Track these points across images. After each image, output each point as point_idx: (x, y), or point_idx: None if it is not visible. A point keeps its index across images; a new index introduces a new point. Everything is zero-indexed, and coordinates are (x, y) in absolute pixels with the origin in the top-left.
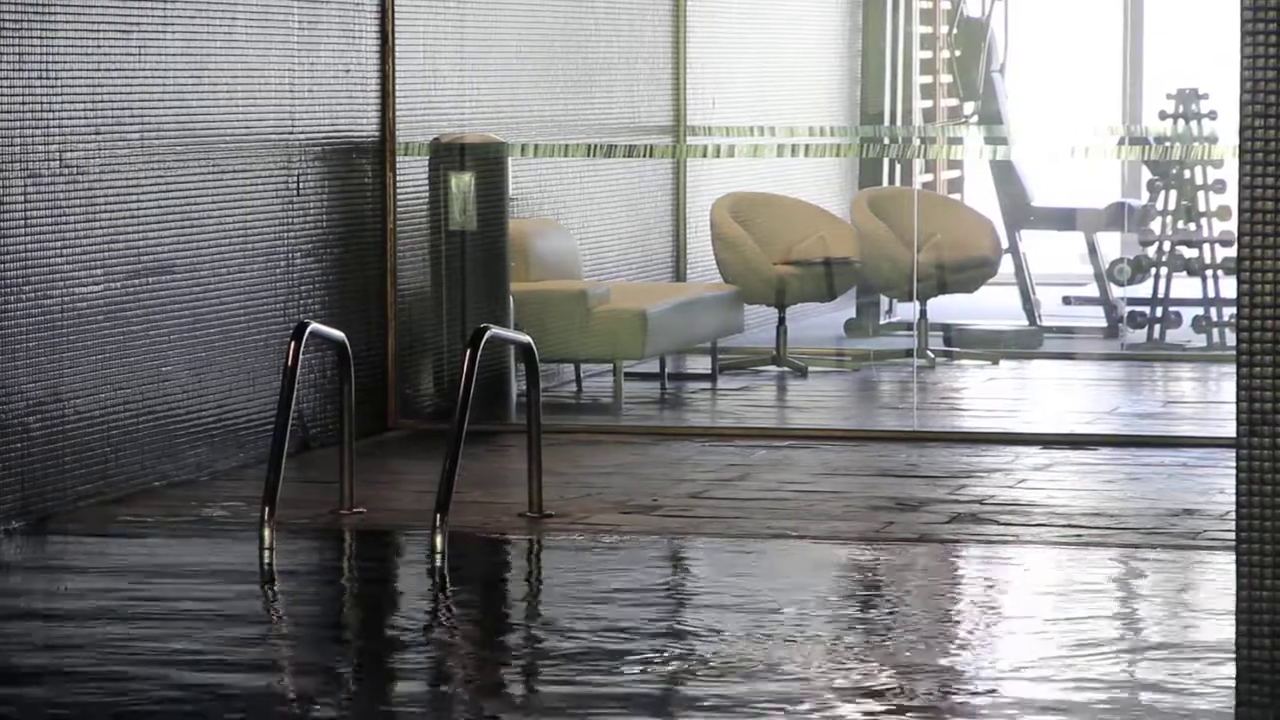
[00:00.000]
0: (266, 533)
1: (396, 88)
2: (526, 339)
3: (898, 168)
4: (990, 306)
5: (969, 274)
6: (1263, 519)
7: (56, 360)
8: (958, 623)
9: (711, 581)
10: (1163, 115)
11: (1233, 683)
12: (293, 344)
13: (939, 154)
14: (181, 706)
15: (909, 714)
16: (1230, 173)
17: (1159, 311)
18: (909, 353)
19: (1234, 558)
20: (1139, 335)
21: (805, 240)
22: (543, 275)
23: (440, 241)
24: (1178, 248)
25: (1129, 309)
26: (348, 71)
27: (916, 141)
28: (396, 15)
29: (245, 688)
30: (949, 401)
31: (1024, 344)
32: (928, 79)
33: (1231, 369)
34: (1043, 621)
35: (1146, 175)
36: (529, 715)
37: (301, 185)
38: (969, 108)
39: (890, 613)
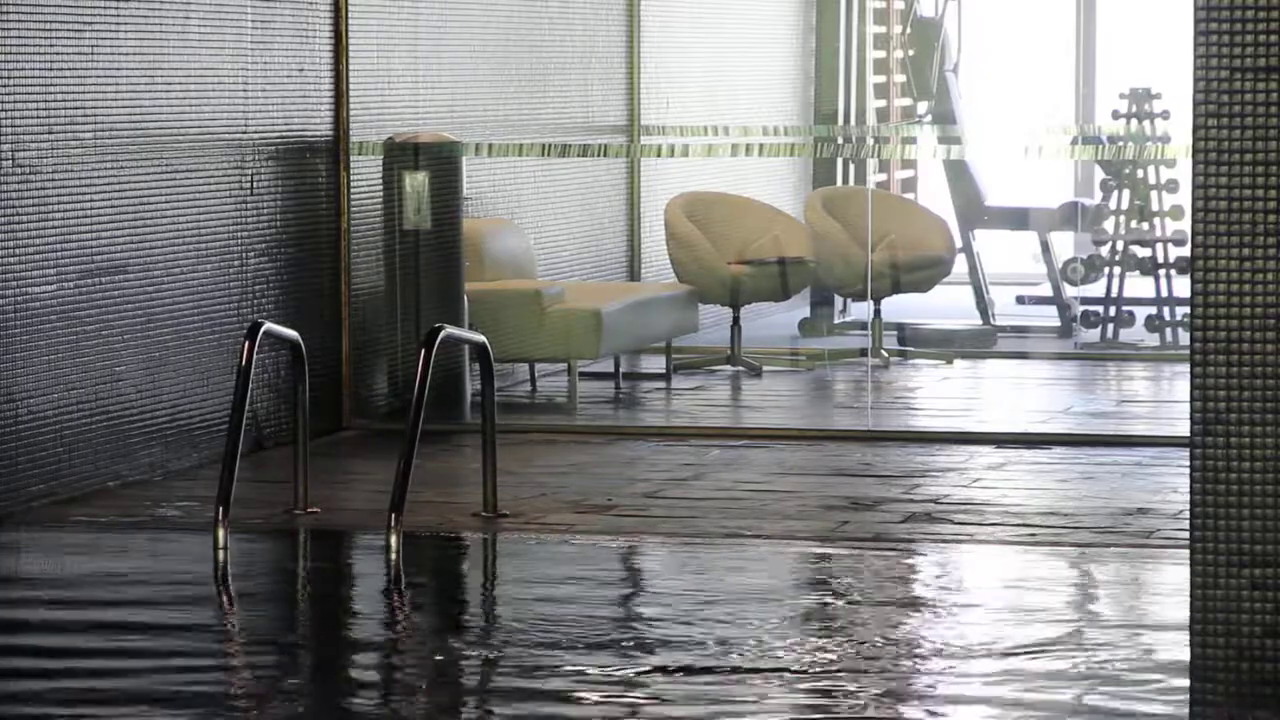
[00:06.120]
0: (220, 533)
1: (350, 87)
2: (481, 338)
3: (851, 167)
4: (944, 306)
5: (923, 273)
6: (1216, 518)
7: (9, 360)
8: (911, 622)
9: (666, 581)
10: (1116, 115)
11: (1187, 682)
12: (247, 344)
13: (893, 153)
14: (134, 708)
15: (859, 714)
16: (1183, 172)
17: (1112, 311)
18: (863, 352)
19: (1188, 557)
20: (1092, 334)
21: (759, 240)
22: (497, 275)
23: (394, 241)
24: (1131, 247)
25: (1082, 308)
26: (301, 71)
27: (870, 141)
28: (350, 14)
29: (199, 690)
30: (903, 401)
31: (978, 343)
32: (881, 78)
33: (1185, 368)
34: (996, 621)
35: (1100, 175)
36: (484, 717)
37: (255, 185)
38: (922, 107)
39: (844, 613)
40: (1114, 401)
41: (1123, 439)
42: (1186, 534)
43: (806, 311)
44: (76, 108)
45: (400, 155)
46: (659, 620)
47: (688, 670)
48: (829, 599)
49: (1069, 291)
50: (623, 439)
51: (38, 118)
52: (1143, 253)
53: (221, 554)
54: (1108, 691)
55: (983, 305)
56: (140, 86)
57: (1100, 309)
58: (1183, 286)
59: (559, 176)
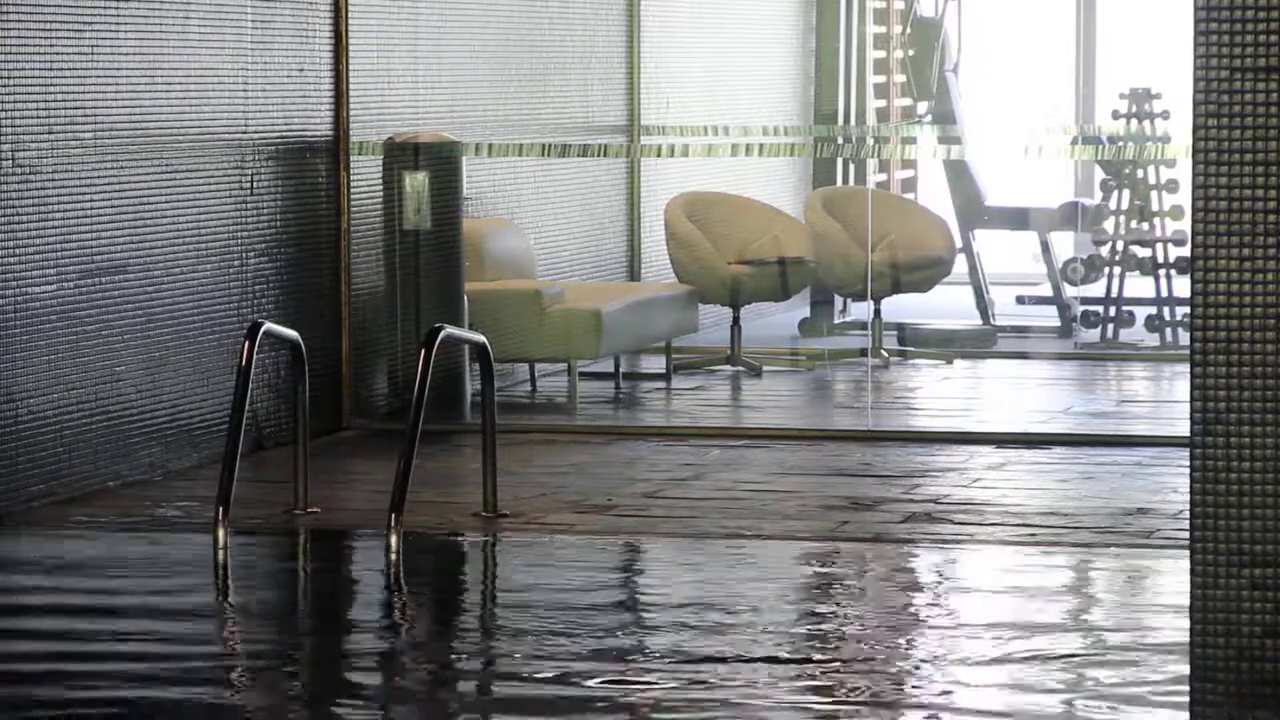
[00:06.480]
0: (220, 533)
1: (350, 87)
2: (481, 338)
3: (851, 167)
4: (944, 306)
5: (923, 273)
6: (1216, 518)
7: (9, 360)
8: (911, 623)
9: (666, 581)
10: (1116, 115)
11: (1187, 682)
12: (247, 344)
13: (893, 153)
14: (133, 708)
15: (859, 715)
16: (1183, 172)
17: (1112, 311)
18: (863, 352)
19: (1188, 557)
20: (1092, 334)
21: (759, 240)
22: (497, 275)
23: (394, 241)
24: (1131, 247)
25: (1083, 308)
26: (301, 70)
27: (870, 141)
28: (350, 14)
29: (197, 690)
30: (903, 401)
31: (978, 343)
32: (881, 78)
33: (1185, 368)
34: (996, 621)
35: (1100, 175)
36: (484, 716)
37: (255, 185)
38: (922, 107)
39: (844, 612)
40: (1114, 401)
41: (1123, 439)
42: (1186, 534)
43: (806, 311)
44: (76, 108)
45: (400, 155)
46: (659, 619)
47: (688, 669)
48: (829, 598)
49: (1069, 291)
50: (623, 439)
51: (38, 118)
52: (1143, 253)
53: (221, 554)
54: (1107, 691)
55: (983, 305)
56: (140, 86)
57: (1100, 309)
58: (1183, 286)
59: (559, 176)
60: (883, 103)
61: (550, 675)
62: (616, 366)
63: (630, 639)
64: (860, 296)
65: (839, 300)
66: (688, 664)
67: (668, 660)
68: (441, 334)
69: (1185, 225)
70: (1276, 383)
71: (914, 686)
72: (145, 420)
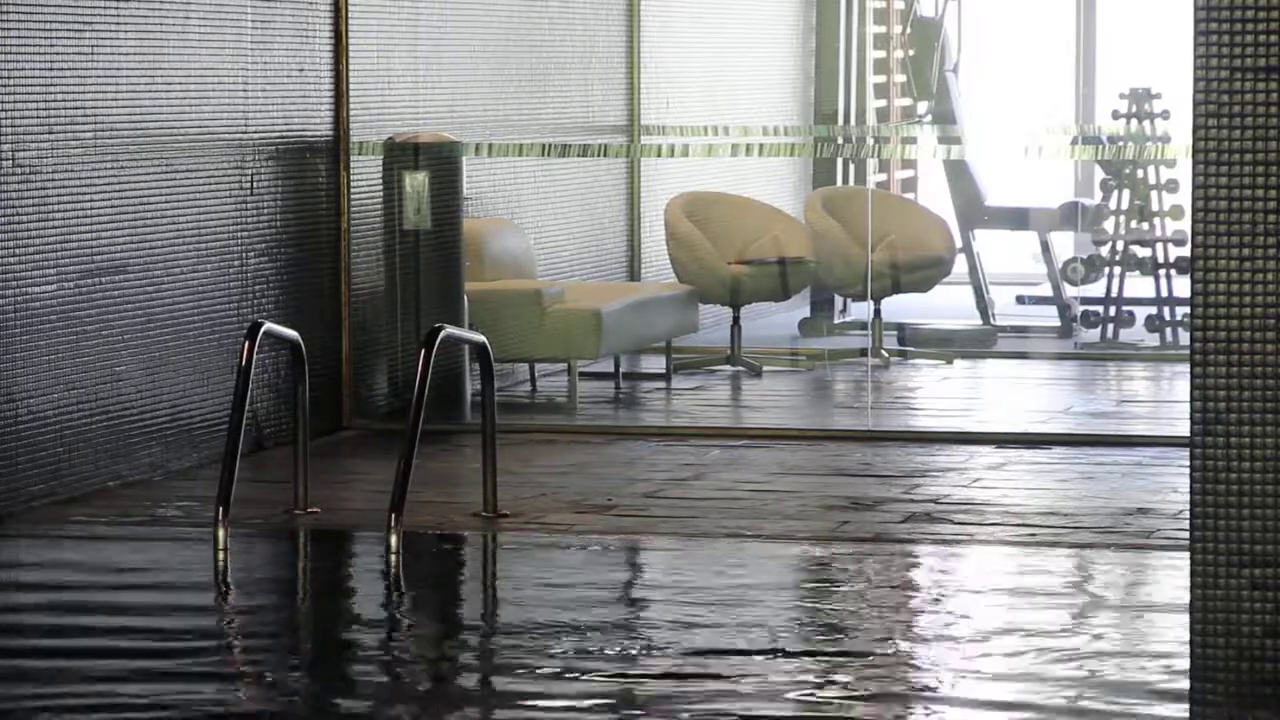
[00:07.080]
0: (220, 533)
1: (350, 87)
2: (481, 338)
3: (851, 167)
4: (944, 306)
5: (923, 273)
6: (1216, 518)
7: (9, 360)
8: (911, 623)
9: (666, 581)
10: (1116, 115)
11: (1187, 682)
12: (247, 343)
13: (893, 153)
14: (133, 711)
15: (860, 711)
16: (1183, 172)
17: (1112, 311)
18: (863, 352)
19: (1188, 557)
20: (1093, 334)
21: (759, 240)
22: (497, 275)
23: (395, 241)
24: (1131, 247)
25: (1083, 308)
26: (301, 70)
27: (870, 141)
28: (350, 14)
29: (197, 691)
30: (903, 401)
31: (978, 343)
32: (881, 78)
33: (1185, 368)
34: (996, 621)
35: (1100, 175)
36: (485, 713)
37: (255, 184)
38: (922, 107)
39: (845, 611)
40: (1114, 401)
41: (1123, 439)
42: (1186, 534)
43: (806, 311)
44: (76, 108)
45: (400, 155)
46: (659, 620)
47: (688, 666)
48: (829, 598)
49: (1069, 291)
50: (623, 439)
51: (38, 118)
52: (1143, 253)
53: (221, 554)
54: (1107, 692)
55: (983, 305)
56: (140, 86)
57: (1100, 309)
58: (1183, 286)
59: (559, 176)
60: (883, 103)
61: (551, 673)
62: (616, 366)
63: (630, 638)
64: (860, 296)
65: (839, 300)
66: (688, 661)
67: (668, 658)
68: (441, 334)
69: (1185, 225)
70: (1276, 383)
71: (914, 684)
72: (145, 420)
